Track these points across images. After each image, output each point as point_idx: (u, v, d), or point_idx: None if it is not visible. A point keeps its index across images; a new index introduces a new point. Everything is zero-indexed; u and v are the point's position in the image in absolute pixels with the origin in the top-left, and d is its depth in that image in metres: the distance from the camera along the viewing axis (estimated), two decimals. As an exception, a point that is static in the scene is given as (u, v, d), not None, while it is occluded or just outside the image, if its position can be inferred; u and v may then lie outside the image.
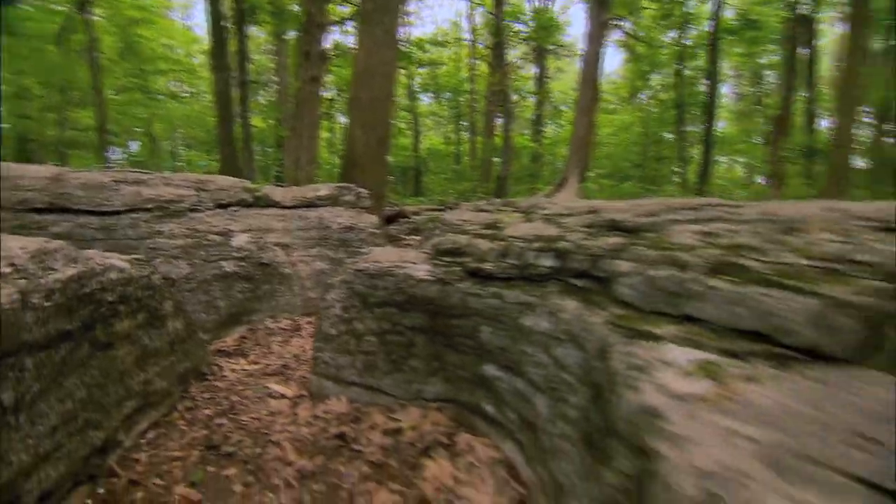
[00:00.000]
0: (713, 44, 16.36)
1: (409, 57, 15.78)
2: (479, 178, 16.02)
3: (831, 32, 21.08)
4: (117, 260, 2.06)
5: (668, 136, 18.64)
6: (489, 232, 2.14)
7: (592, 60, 12.03)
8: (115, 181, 3.68)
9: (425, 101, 23.82)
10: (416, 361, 2.18)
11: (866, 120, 16.27)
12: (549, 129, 22.39)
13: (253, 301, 3.98)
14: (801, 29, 17.21)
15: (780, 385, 0.97)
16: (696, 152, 19.02)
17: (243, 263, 3.94)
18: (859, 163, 16.34)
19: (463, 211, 2.52)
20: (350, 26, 13.58)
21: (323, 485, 1.82)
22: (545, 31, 16.35)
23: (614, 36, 18.46)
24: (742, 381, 1.00)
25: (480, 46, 18.57)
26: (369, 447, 1.98)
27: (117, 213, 3.53)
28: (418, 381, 2.19)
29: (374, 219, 4.87)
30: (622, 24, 17.48)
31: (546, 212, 2.10)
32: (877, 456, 0.70)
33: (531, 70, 20.55)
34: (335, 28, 13.86)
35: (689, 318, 1.27)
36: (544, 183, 14.40)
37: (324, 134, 19.78)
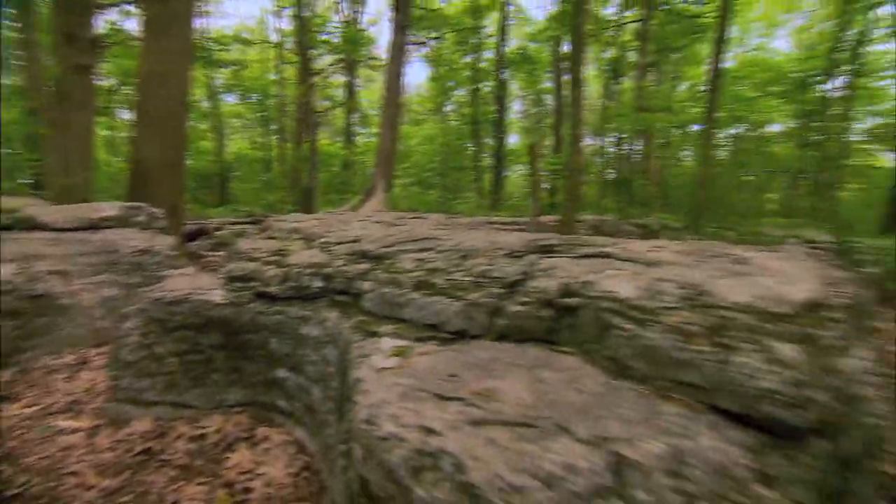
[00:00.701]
0: (500, 71, 19.22)
1: (207, 53, 14.72)
2: (288, 187, 15.84)
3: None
4: None
5: (469, 147, 21.13)
6: (275, 259, 2.60)
7: (395, 78, 13.10)
8: None
9: (230, 100, 22.28)
10: (217, 375, 2.52)
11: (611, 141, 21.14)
12: (362, 137, 23.19)
13: (23, 339, 3.64)
14: (565, 64, 21.40)
15: (437, 356, 1.70)
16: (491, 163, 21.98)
17: (7, 298, 3.57)
18: (612, 175, 21.23)
19: (253, 240, 2.92)
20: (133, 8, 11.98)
21: (131, 495, 2.06)
22: (353, 45, 16.96)
23: (420, 51, 20.16)
24: (418, 356, 1.70)
25: (287, 51, 18.28)
26: (176, 455, 2.27)
27: None
28: (220, 392, 2.54)
29: (170, 240, 4.78)
30: (425, 42, 19.22)
31: (323, 240, 2.66)
32: (449, 382, 1.43)
33: (342, 78, 20.98)
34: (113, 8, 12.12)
35: (401, 320, 1.97)
36: (355, 192, 15.02)
37: (102, 131, 17.01)
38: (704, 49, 20.56)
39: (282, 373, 2.37)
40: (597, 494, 1.04)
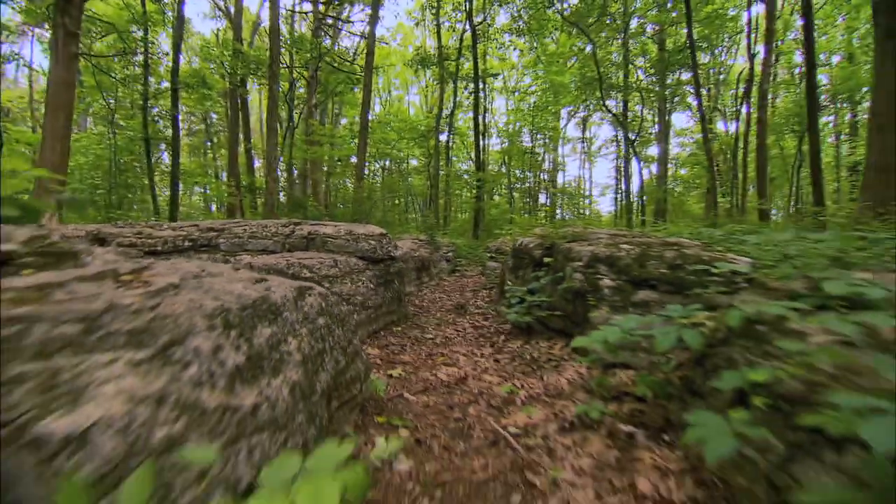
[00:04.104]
0: (174, 89, 20.26)
1: None
2: None
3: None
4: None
5: (140, 164, 21.03)
6: (143, 235, 5.05)
7: (65, 87, 13.08)
8: None
9: None
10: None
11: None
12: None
13: None
14: (240, 90, 24.07)
15: (268, 256, 4.91)
16: (165, 183, 22.36)
17: None
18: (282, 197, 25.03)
19: (111, 227, 5.12)
20: None
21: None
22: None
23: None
24: (258, 257, 4.87)
25: None
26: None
27: None
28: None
29: None
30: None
31: (170, 225, 5.27)
32: (273, 258, 4.71)
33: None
34: None
35: (245, 250, 5.04)
36: None
37: None
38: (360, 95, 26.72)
39: (167, 289, 4.90)
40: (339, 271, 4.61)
